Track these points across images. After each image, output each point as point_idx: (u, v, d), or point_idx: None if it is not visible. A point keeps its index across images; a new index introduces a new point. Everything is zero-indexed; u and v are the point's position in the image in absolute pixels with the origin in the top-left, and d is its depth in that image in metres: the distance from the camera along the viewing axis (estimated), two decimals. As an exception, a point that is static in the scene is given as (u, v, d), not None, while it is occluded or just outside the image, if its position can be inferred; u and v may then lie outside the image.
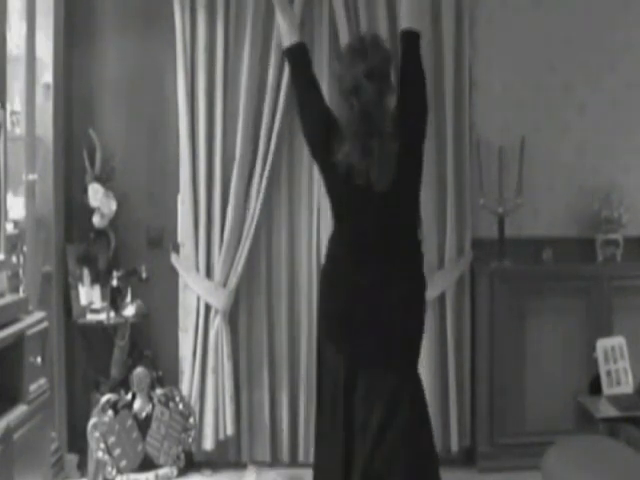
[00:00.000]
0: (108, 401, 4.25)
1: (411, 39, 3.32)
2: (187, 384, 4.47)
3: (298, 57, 3.38)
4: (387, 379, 3.23)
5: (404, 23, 3.41)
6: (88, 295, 4.47)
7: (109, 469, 4.21)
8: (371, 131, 3.12)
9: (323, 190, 4.49)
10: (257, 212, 4.46)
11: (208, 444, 4.47)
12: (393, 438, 3.21)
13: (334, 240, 3.38)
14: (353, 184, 3.17)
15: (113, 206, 4.49)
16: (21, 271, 3.58)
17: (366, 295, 3.22)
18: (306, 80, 3.37)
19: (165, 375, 4.48)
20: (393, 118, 3.19)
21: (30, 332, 3.32)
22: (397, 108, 3.26)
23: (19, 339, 3.23)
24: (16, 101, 3.82)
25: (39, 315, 3.52)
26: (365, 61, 3.15)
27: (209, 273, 4.49)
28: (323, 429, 3.39)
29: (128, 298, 4.47)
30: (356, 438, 3.25)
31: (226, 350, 4.46)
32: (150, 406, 4.34)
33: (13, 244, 3.53)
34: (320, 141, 3.28)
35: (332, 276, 3.34)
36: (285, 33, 3.43)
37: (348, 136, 3.15)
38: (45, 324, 3.52)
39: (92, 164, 4.50)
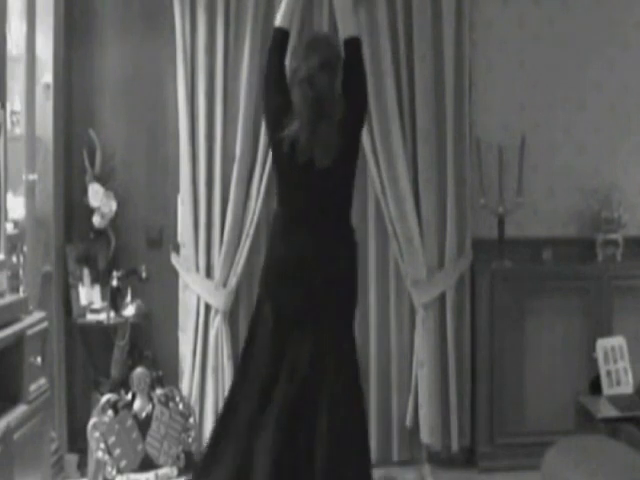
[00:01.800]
0: (108, 401, 4.25)
1: (349, 46, 3.57)
2: (187, 384, 4.47)
3: (283, 41, 3.63)
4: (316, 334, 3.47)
5: (341, 33, 3.69)
6: (88, 295, 4.47)
7: (109, 469, 4.21)
8: (322, 115, 3.42)
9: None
10: (257, 212, 4.47)
11: (208, 444, 4.47)
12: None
13: (276, 214, 3.65)
14: (296, 160, 3.45)
15: (113, 206, 4.49)
16: (21, 271, 3.57)
17: (300, 254, 3.48)
18: (279, 62, 3.62)
19: (165, 375, 4.47)
20: (340, 104, 3.47)
21: (30, 332, 3.32)
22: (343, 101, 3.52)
23: (19, 339, 3.23)
24: (16, 101, 3.81)
25: (39, 315, 3.52)
26: (319, 55, 3.47)
27: (209, 273, 4.49)
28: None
29: (128, 298, 4.47)
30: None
31: (226, 350, 4.47)
32: (150, 406, 4.34)
33: (13, 244, 3.52)
34: (274, 118, 3.55)
35: (273, 241, 3.63)
36: (284, 14, 3.63)
37: (300, 118, 3.43)
38: (45, 324, 3.52)
39: (92, 164, 4.50)
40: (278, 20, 3.63)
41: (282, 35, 3.61)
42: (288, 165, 3.52)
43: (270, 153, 3.83)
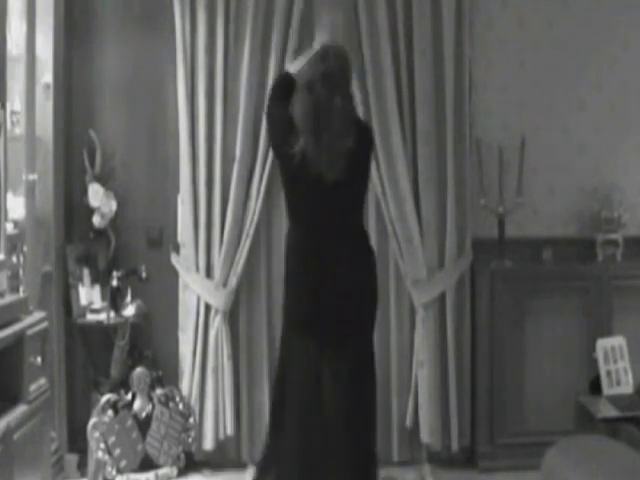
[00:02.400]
0: (108, 401, 4.25)
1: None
2: (187, 384, 4.47)
3: (289, 85, 3.65)
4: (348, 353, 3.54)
5: None
6: (88, 295, 4.47)
7: (109, 469, 4.21)
8: (320, 125, 3.42)
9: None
10: (257, 212, 4.46)
11: (208, 444, 4.47)
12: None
13: (290, 232, 3.66)
14: (306, 174, 3.45)
15: (113, 206, 4.49)
16: (21, 271, 3.58)
17: (321, 276, 3.51)
18: (285, 101, 3.63)
19: (165, 375, 4.48)
20: (346, 119, 3.48)
21: (30, 332, 3.32)
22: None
23: (19, 339, 3.23)
24: (16, 101, 3.81)
25: (39, 315, 3.52)
26: (324, 64, 3.48)
27: (209, 273, 4.49)
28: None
29: (128, 298, 4.47)
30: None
31: (226, 350, 4.47)
32: (150, 406, 4.34)
33: (13, 244, 3.52)
34: (282, 134, 3.56)
35: (292, 264, 3.64)
36: (296, 67, 3.73)
37: (302, 129, 3.46)
38: (45, 324, 3.52)
39: (92, 164, 4.50)
40: (290, 68, 3.77)
41: (291, 79, 3.66)
42: (299, 181, 3.52)
43: (278, 169, 3.80)
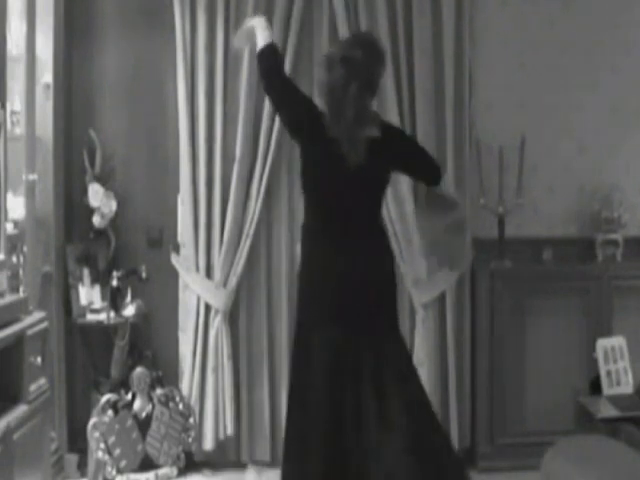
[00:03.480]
0: (108, 401, 4.25)
1: (434, 175, 3.69)
2: (187, 384, 4.47)
3: (271, 59, 3.55)
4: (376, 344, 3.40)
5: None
6: (88, 295, 4.47)
7: (109, 469, 4.21)
8: (336, 109, 3.35)
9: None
10: (257, 212, 4.46)
11: (208, 444, 4.47)
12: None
13: (308, 224, 3.53)
14: (330, 152, 3.36)
15: (113, 206, 4.49)
16: (21, 271, 3.58)
17: (346, 270, 3.39)
18: (280, 81, 3.53)
19: (165, 375, 4.47)
20: (363, 110, 3.36)
21: (30, 332, 3.32)
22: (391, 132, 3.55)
23: (19, 339, 3.23)
24: (16, 101, 3.81)
25: (39, 315, 3.52)
26: (347, 47, 3.42)
27: (209, 273, 4.49)
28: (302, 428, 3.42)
29: (128, 298, 4.47)
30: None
31: (226, 350, 4.46)
32: (150, 406, 4.34)
33: (13, 244, 3.52)
34: (304, 125, 3.46)
35: (312, 260, 3.50)
36: (263, 37, 3.57)
37: (323, 106, 3.41)
38: (45, 324, 3.52)
39: (92, 164, 4.50)
40: (269, 38, 3.56)
41: (266, 52, 3.52)
42: (323, 159, 3.41)
43: (300, 164, 3.63)
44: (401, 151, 3.56)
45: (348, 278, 3.40)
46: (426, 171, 3.68)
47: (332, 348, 3.36)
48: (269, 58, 3.54)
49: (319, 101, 3.47)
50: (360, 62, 3.35)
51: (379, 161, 3.43)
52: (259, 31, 3.59)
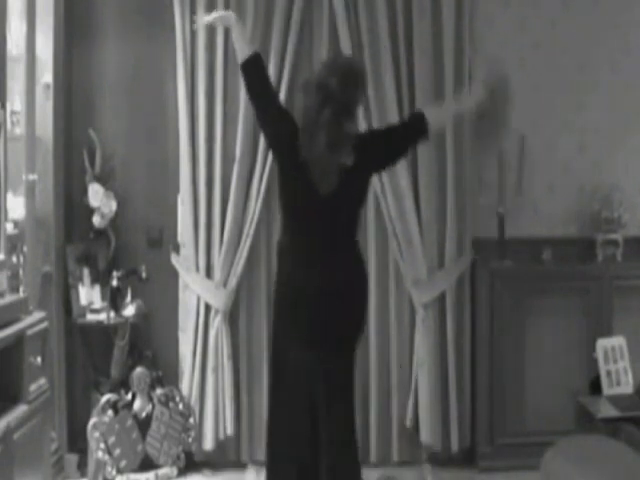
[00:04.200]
0: (108, 401, 4.25)
1: (422, 124, 3.57)
2: (187, 384, 4.47)
3: (253, 70, 3.55)
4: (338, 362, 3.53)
5: (427, 112, 3.62)
6: (88, 295, 4.47)
7: (109, 469, 4.21)
8: (310, 136, 3.37)
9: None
10: (257, 212, 4.46)
11: (208, 444, 4.47)
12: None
13: (282, 241, 3.58)
14: (303, 179, 3.40)
15: (113, 206, 4.49)
16: (21, 271, 3.58)
17: (315, 289, 3.44)
18: (262, 91, 3.56)
19: (165, 375, 4.48)
20: (337, 136, 3.36)
21: (30, 332, 3.32)
22: (365, 137, 3.58)
23: (19, 339, 3.23)
24: (16, 101, 3.82)
25: (39, 315, 3.52)
26: (325, 72, 3.41)
27: (209, 273, 4.49)
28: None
29: (128, 298, 4.47)
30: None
31: (226, 350, 4.47)
32: (150, 406, 4.34)
33: (13, 244, 3.52)
34: (284, 148, 3.50)
35: (284, 276, 3.56)
36: (240, 43, 3.58)
37: (299, 131, 3.41)
38: (45, 324, 3.52)
39: (92, 164, 4.50)
40: (249, 50, 3.55)
41: (251, 63, 3.53)
42: (296, 185, 3.46)
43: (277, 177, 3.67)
44: (376, 149, 3.54)
45: (318, 295, 3.43)
46: (406, 135, 3.62)
47: (304, 366, 3.49)
48: (257, 71, 3.54)
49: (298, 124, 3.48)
50: (335, 89, 3.35)
51: (353, 186, 3.47)
52: (238, 32, 3.58)
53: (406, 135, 3.62)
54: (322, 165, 3.37)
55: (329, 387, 3.48)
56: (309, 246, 3.46)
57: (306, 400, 3.49)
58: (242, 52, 3.56)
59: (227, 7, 4.44)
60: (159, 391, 4.37)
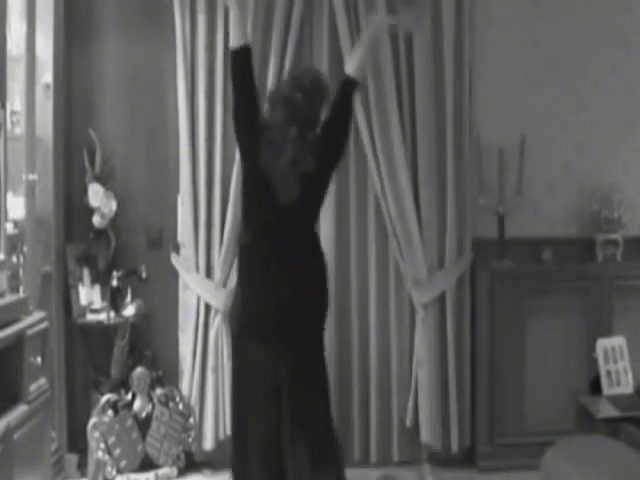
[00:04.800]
0: (108, 401, 4.25)
1: (349, 87, 3.57)
2: (187, 384, 4.47)
3: (244, 61, 3.56)
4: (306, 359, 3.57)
5: (350, 69, 3.61)
6: (88, 295, 4.47)
7: (109, 469, 4.21)
8: (274, 150, 3.44)
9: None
10: (257, 212, 4.46)
11: (208, 444, 4.47)
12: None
13: (243, 243, 3.65)
14: (264, 186, 3.46)
15: (113, 206, 4.49)
16: (21, 271, 3.58)
17: (275, 291, 3.50)
18: (247, 85, 3.59)
19: (165, 375, 4.47)
20: (302, 149, 3.44)
21: (30, 332, 3.33)
22: (318, 137, 3.54)
23: (19, 339, 3.23)
24: (16, 101, 3.82)
25: (39, 315, 3.53)
26: (291, 89, 3.48)
27: (209, 273, 4.49)
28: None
29: (128, 298, 4.47)
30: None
31: (226, 350, 4.46)
32: (150, 406, 4.34)
33: (13, 244, 3.53)
34: (252, 149, 3.54)
35: (245, 279, 3.65)
36: (236, 29, 3.57)
37: (263, 141, 3.47)
38: (45, 324, 3.52)
39: (92, 164, 4.50)
40: (243, 40, 3.56)
41: (241, 53, 3.54)
42: (257, 190, 3.52)
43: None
44: (330, 141, 3.56)
45: (277, 296, 3.49)
46: (340, 104, 3.60)
47: (264, 366, 3.53)
48: (244, 66, 3.56)
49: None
50: (300, 104, 3.45)
51: (315, 192, 3.55)
52: (237, 15, 3.58)
53: (341, 105, 3.59)
54: (284, 179, 3.43)
55: (295, 387, 3.51)
56: (269, 250, 3.52)
57: (271, 400, 3.50)
58: (235, 39, 3.57)
59: (227, 7, 4.43)
60: (159, 391, 4.37)
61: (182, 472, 4.39)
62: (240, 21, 3.60)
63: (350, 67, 3.62)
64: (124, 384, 4.34)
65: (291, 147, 3.42)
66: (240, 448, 3.58)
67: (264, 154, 3.45)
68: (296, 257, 3.52)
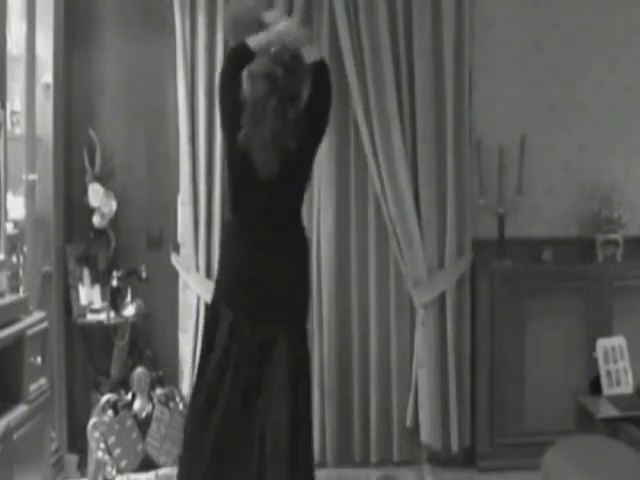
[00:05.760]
0: (108, 401, 4.25)
1: (315, 68, 3.57)
2: (187, 384, 4.47)
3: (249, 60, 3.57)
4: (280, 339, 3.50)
5: (306, 57, 3.60)
6: (88, 295, 4.47)
7: (109, 469, 4.21)
8: (254, 123, 3.46)
9: (323, 189, 4.52)
10: (257, 212, 4.46)
11: (208, 444, 4.47)
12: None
13: (229, 222, 3.70)
14: (245, 164, 3.48)
15: (113, 206, 4.49)
16: (21, 271, 3.58)
17: (255, 265, 3.51)
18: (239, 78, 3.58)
19: (165, 375, 4.47)
20: (283, 121, 3.46)
21: (30, 332, 3.33)
22: (300, 116, 3.53)
23: (19, 339, 3.23)
24: (16, 101, 3.82)
25: (39, 315, 3.53)
26: (270, 63, 3.49)
27: (209, 273, 4.49)
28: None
29: (128, 298, 4.47)
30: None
31: (226, 350, 4.46)
32: (150, 406, 4.34)
33: (13, 244, 3.53)
34: (231, 118, 3.53)
35: (228, 252, 3.65)
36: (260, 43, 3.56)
37: (243, 118, 3.48)
38: (45, 324, 3.52)
39: (92, 164, 4.50)
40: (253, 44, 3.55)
41: (250, 56, 3.55)
42: (239, 168, 3.54)
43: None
44: (311, 122, 3.57)
45: (258, 276, 3.49)
46: (316, 86, 3.60)
47: (234, 337, 3.48)
48: (237, 62, 3.55)
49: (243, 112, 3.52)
50: (281, 78, 3.47)
51: (296, 169, 3.55)
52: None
53: (314, 86, 3.59)
54: (263, 152, 3.44)
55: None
56: (253, 229, 3.54)
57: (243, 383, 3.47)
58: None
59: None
60: (159, 391, 4.37)
61: (182, 472, 4.38)
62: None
63: (306, 58, 3.60)
64: (124, 384, 4.34)
65: (272, 118, 3.44)
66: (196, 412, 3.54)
67: (245, 129, 3.46)
68: (278, 237, 3.53)
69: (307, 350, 3.65)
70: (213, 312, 3.61)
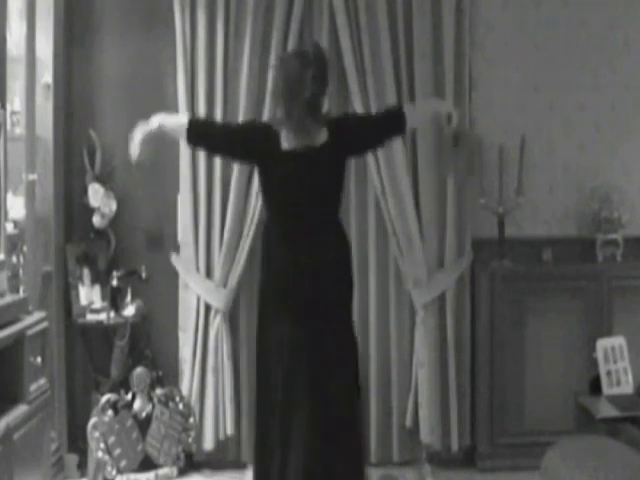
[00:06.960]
0: (108, 401, 4.25)
1: (400, 120, 3.67)
2: (187, 384, 4.47)
3: (200, 134, 3.74)
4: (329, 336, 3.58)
5: (411, 114, 3.72)
6: (88, 295, 4.47)
7: (109, 469, 4.21)
8: (291, 97, 3.50)
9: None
10: (257, 212, 4.46)
11: (208, 444, 4.47)
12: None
13: (268, 225, 3.71)
14: (280, 150, 3.55)
15: (113, 206, 4.49)
16: (21, 271, 3.58)
17: (299, 270, 3.55)
18: (223, 142, 3.74)
19: (165, 375, 4.48)
20: (317, 98, 3.52)
21: (30, 332, 3.32)
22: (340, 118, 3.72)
23: (19, 339, 3.23)
24: (16, 101, 3.82)
25: (39, 315, 3.52)
26: (299, 48, 3.72)
27: (209, 273, 4.49)
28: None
29: (128, 298, 4.47)
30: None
31: (226, 350, 4.47)
32: (150, 406, 4.34)
33: (13, 244, 3.53)
34: (258, 149, 3.62)
35: (270, 260, 3.66)
36: (176, 128, 3.76)
37: (274, 103, 3.69)
38: (45, 324, 3.52)
39: (92, 164, 4.50)
40: (183, 120, 3.77)
41: (192, 130, 3.70)
42: (274, 161, 3.56)
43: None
44: (350, 134, 3.63)
45: (301, 275, 3.54)
46: (383, 126, 3.73)
47: (289, 345, 3.54)
48: (205, 129, 3.79)
49: (273, 100, 3.63)
50: (312, 57, 3.52)
51: (325, 165, 3.57)
52: (165, 122, 3.78)
53: (383, 128, 3.73)
54: (301, 125, 3.49)
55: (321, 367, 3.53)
56: (293, 231, 3.57)
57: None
58: (180, 129, 3.74)
59: (227, 7, 4.44)
60: (159, 391, 4.37)
61: (182, 472, 4.39)
62: (168, 119, 3.80)
63: (412, 114, 3.72)
64: (124, 384, 4.34)
65: (309, 87, 3.46)
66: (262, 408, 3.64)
67: (280, 108, 3.53)
68: (317, 236, 3.56)
69: (355, 343, 3.71)
70: (263, 315, 3.68)
